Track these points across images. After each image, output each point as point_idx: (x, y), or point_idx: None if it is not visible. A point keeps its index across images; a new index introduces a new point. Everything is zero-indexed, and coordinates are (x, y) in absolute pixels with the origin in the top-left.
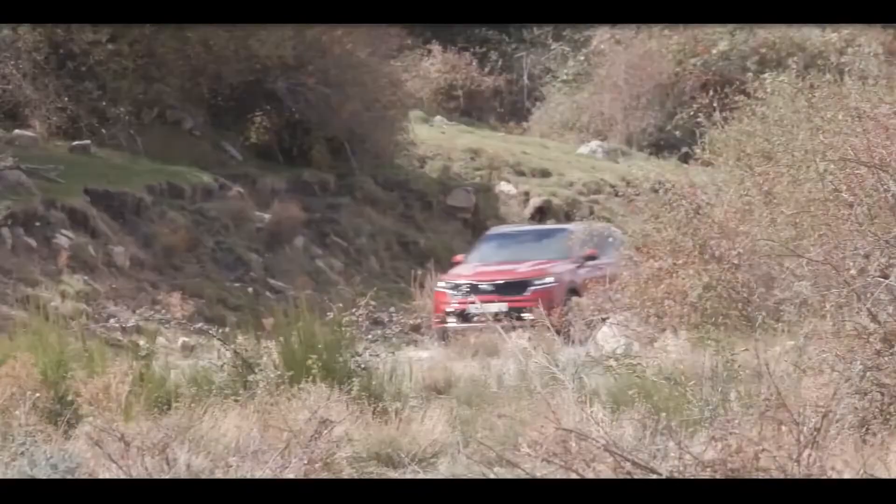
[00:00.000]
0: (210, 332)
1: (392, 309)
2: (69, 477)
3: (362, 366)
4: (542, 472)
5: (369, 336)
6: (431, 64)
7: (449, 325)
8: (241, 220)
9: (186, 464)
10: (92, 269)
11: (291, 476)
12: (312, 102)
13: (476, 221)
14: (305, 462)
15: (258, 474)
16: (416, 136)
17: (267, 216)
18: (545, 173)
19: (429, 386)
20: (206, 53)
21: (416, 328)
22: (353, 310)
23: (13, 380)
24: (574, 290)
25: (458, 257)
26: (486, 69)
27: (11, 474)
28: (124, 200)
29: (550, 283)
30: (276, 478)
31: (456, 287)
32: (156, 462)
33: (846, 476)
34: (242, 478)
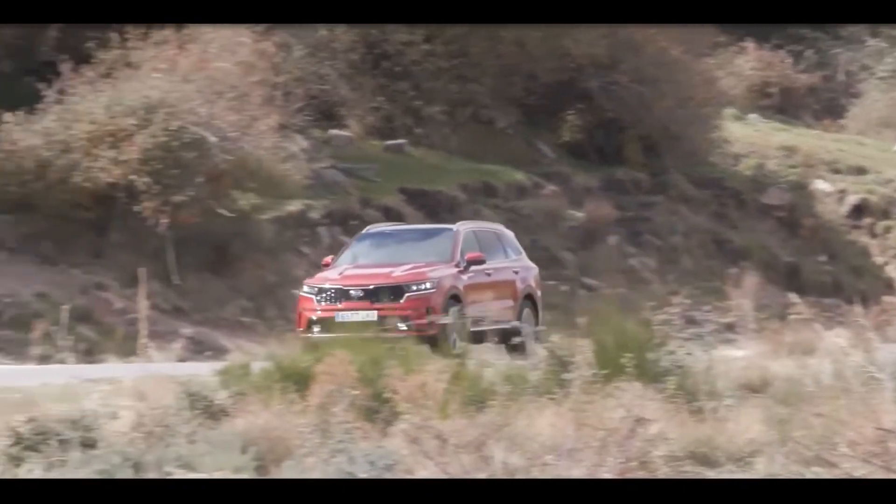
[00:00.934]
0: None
1: (706, 307)
2: (387, 475)
3: (677, 364)
4: (861, 472)
5: (683, 334)
6: (746, 61)
7: (312, 335)
8: (555, 218)
9: (502, 462)
10: None
11: (608, 476)
12: (625, 100)
13: (791, 220)
14: (621, 461)
15: (574, 473)
16: (730, 133)
17: (580, 214)
18: (861, 171)
19: (744, 385)
20: (520, 53)
21: (730, 327)
22: (667, 308)
23: (331, 377)
24: (456, 297)
25: (328, 259)
26: (801, 66)
27: (330, 471)
28: (439, 199)
29: (428, 289)
30: (590, 478)
31: (321, 292)
32: (472, 460)
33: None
34: (557, 478)
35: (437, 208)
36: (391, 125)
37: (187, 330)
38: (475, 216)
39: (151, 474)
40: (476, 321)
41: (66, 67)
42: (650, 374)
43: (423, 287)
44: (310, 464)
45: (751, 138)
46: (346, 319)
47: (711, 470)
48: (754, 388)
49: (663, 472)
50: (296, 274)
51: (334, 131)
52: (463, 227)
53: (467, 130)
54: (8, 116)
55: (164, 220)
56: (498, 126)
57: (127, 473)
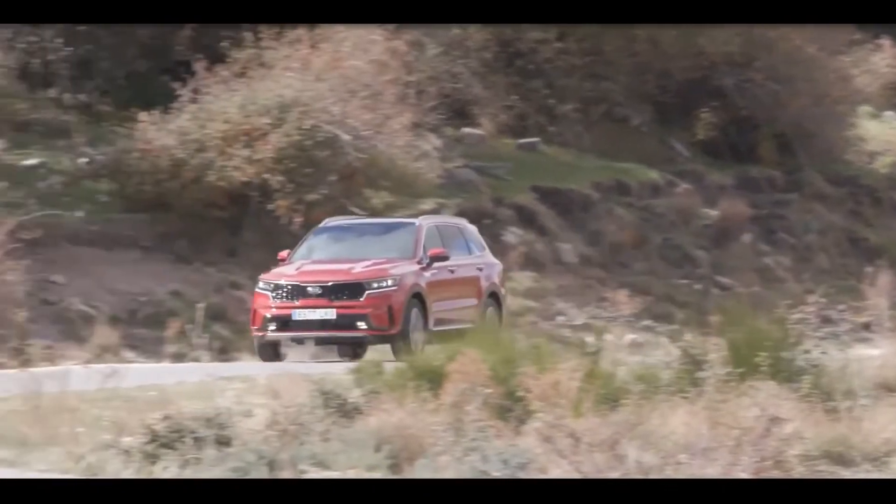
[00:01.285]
0: (657, 329)
1: (841, 306)
2: (520, 474)
3: (812, 363)
4: None
5: (818, 333)
6: (881, 59)
7: (268, 334)
8: (688, 216)
9: (636, 460)
10: (540, 266)
11: (744, 476)
12: (760, 98)
13: None
14: (756, 460)
15: (708, 472)
16: (865, 131)
17: (714, 213)
18: None
19: (880, 384)
20: (653, 50)
21: (866, 326)
22: (802, 307)
23: (463, 376)
24: (419, 296)
25: (283, 253)
26: None
27: (464, 469)
28: (571, 197)
29: (390, 286)
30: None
31: (277, 288)
32: (606, 458)
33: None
34: (691, 477)
35: (569, 207)
36: (524, 123)
37: None
38: (608, 215)
39: (285, 472)
40: (439, 321)
41: (200, 67)
42: (785, 373)
43: (384, 285)
44: (443, 462)
45: (886, 136)
46: (303, 318)
47: (847, 469)
48: (890, 387)
49: (798, 471)
50: None
51: (467, 129)
52: (425, 222)
53: (600, 128)
54: (143, 116)
55: (298, 219)
56: (631, 124)
57: (261, 471)
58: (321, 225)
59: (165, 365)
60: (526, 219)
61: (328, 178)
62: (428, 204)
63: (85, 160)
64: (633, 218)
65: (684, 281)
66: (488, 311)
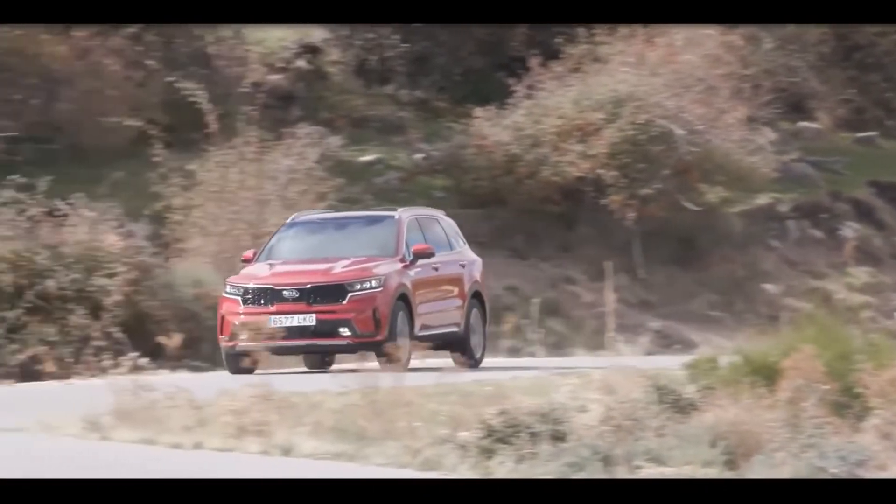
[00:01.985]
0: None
1: None
2: (858, 471)
3: None
4: None
5: None
6: None
7: (238, 344)
8: None
9: None
10: (878, 261)
11: None
12: None
13: None
14: None
15: None
16: None
17: None
18: None
19: None
20: None
21: None
22: None
23: (799, 372)
24: (404, 297)
25: (248, 253)
26: None
27: (800, 466)
28: None
29: (374, 287)
30: None
31: (247, 292)
32: None
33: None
34: None
35: None
36: (861, 117)
37: (654, 323)
38: None
39: (620, 468)
40: (425, 326)
41: (535, 63)
42: None
43: (367, 286)
44: (779, 459)
45: None
46: (279, 324)
47: None
48: None
49: None
50: (765, 268)
51: (803, 123)
52: (405, 214)
53: None
54: (478, 112)
55: (631, 214)
56: None
57: (595, 467)
58: (290, 220)
59: (501, 359)
60: (863, 213)
61: (662, 173)
62: (763, 199)
63: (421, 156)
64: None
65: None
66: (473, 312)
